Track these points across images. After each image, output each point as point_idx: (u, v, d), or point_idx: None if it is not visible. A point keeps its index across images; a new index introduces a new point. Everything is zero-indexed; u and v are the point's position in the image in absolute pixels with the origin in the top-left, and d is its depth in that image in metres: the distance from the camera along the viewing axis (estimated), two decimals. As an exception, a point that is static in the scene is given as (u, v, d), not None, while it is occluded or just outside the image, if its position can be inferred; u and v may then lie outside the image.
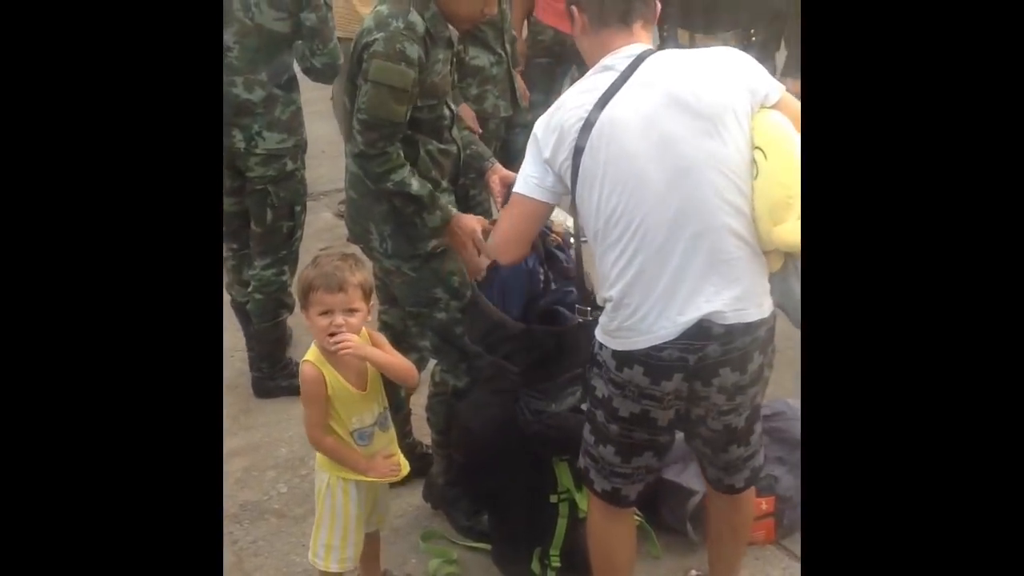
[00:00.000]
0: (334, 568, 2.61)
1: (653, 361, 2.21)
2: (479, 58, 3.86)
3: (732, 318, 2.19)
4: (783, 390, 3.09)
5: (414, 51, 2.65)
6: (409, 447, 3.18)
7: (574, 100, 2.25)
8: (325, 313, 2.41)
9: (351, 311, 2.42)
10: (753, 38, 4.09)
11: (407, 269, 2.86)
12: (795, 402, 3.20)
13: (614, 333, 2.26)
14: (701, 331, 2.18)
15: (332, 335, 2.40)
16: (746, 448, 2.44)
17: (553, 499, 2.84)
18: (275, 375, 3.88)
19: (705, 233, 2.15)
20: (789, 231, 2.12)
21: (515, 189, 2.35)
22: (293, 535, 3.15)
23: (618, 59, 2.24)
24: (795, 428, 3.06)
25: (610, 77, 2.22)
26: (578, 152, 2.20)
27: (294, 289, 2.50)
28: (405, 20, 2.65)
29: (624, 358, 2.24)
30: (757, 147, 2.17)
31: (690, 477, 2.95)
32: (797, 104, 2.21)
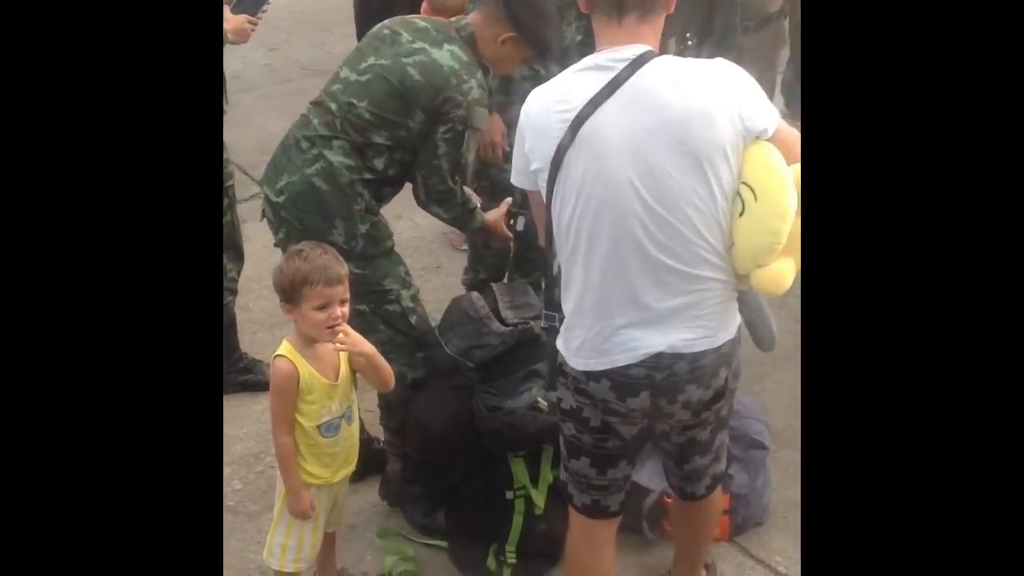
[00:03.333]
0: (288, 568, 2.60)
1: (619, 378, 2.17)
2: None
3: (699, 346, 2.15)
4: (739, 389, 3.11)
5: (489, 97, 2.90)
6: (364, 443, 3.17)
7: (561, 95, 2.14)
8: (322, 307, 2.40)
9: (343, 302, 2.44)
10: (689, 42, 4.08)
11: (353, 267, 2.84)
12: (749, 400, 3.23)
13: (575, 351, 2.21)
14: (669, 354, 2.14)
15: (331, 327, 2.41)
16: (707, 457, 2.43)
17: (509, 495, 2.85)
18: (228, 370, 3.84)
19: (678, 268, 2.10)
20: (770, 274, 2.10)
21: (511, 180, 2.31)
22: (248, 532, 3.13)
23: (614, 60, 2.11)
24: (748, 426, 3.09)
25: (602, 79, 2.10)
26: (557, 162, 2.11)
27: (274, 283, 2.48)
28: (481, 71, 2.85)
29: (591, 373, 2.20)
30: (746, 183, 2.09)
31: (646, 476, 2.96)
32: (794, 132, 2.13)
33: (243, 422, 3.65)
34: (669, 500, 3.03)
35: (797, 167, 2.06)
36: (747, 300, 2.30)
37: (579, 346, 2.20)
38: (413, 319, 2.94)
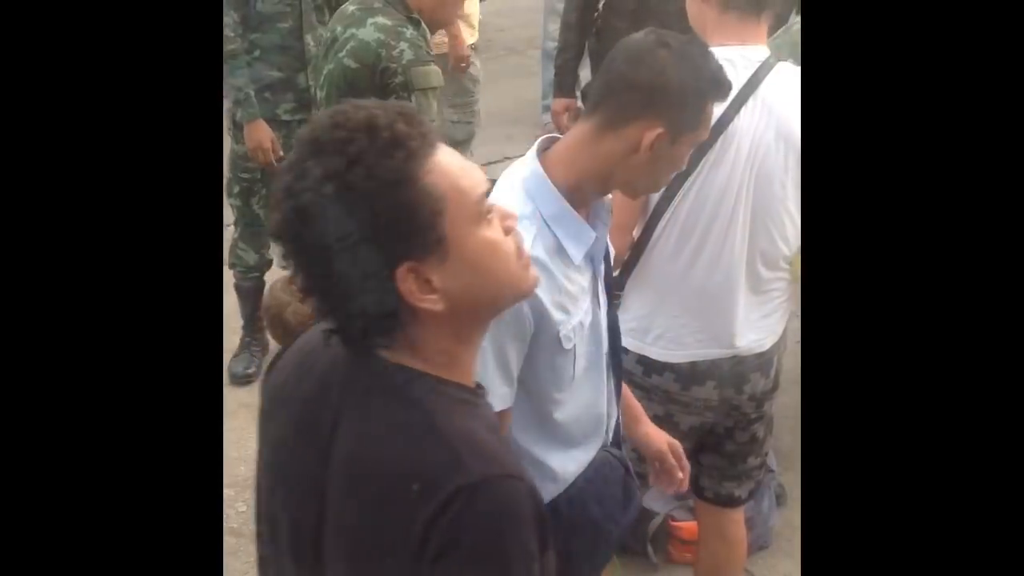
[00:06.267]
0: None
1: (686, 369, 2.21)
2: None
3: (767, 343, 2.24)
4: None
5: (430, 53, 2.81)
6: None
7: None
8: None
9: None
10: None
11: None
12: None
13: (652, 341, 2.23)
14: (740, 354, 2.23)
15: None
16: (759, 458, 2.43)
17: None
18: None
19: (762, 272, 2.18)
20: None
21: None
22: (250, 554, 3.07)
23: (746, 59, 2.09)
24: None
25: (739, 79, 2.05)
26: (696, 159, 2.06)
27: (286, 327, 2.49)
28: (413, 27, 2.79)
29: (654, 365, 2.22)
30: None
31: (651, 499, 2.95)
32: None
33: (247, 444, 3.62)
34: (675, 523, 3.02)
35: None
36: None
37: (658, 336, 2.21)
38: None
